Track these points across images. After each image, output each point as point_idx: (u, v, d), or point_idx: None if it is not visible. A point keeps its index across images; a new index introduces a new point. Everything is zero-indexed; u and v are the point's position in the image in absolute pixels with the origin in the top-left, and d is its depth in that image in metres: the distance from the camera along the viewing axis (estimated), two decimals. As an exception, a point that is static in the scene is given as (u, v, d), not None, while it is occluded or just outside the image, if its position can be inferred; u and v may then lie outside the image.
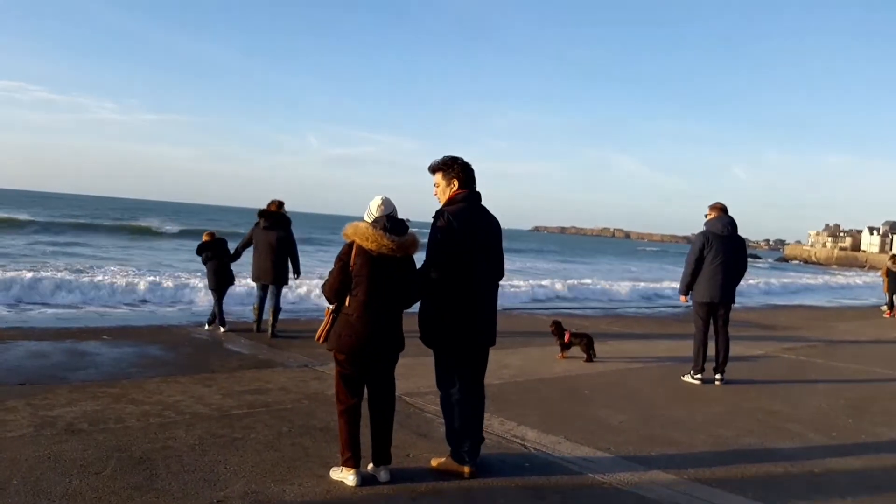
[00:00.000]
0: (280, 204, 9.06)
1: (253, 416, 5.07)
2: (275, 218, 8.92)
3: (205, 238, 9.33)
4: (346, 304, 3.85)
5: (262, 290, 9.01)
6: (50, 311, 10.26)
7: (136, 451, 4.16)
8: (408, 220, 4.01)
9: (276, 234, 8.80)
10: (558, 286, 18.99)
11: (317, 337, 3.97)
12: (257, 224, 8.93)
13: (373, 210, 3.93)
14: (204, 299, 11.66)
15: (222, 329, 8.92)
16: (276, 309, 8.85)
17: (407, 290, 3.95)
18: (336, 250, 4.13)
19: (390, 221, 3.87)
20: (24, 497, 3.41)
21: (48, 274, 12.82)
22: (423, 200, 4.18)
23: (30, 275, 11.94)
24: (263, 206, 9.07)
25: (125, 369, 6.38)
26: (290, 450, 4.39)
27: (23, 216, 39.52)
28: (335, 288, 3.86)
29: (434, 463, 4.19)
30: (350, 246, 3.84)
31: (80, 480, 3.66)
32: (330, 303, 3.94)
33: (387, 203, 3.95)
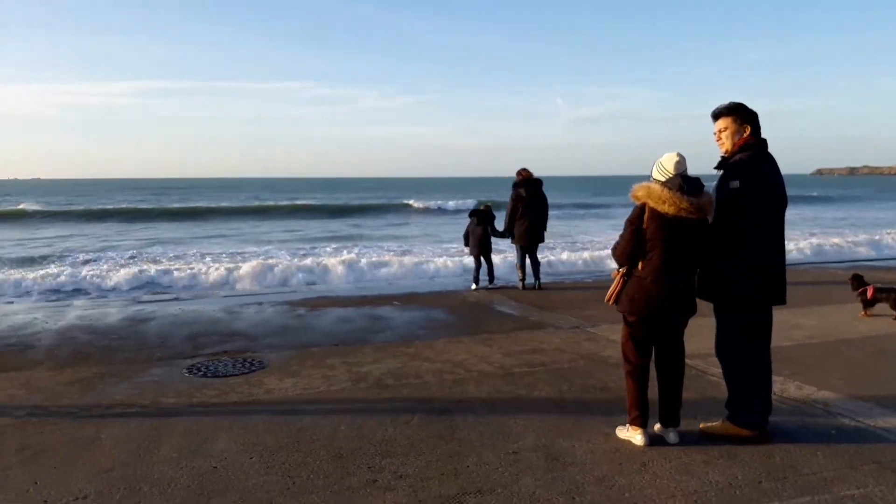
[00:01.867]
0: (527, 172, 9.84)
1: (533, 375, 5.30)
2: (532, 183, 9.68)
3: (482, 207, 10.38)
4: (640, 267, 3.78)
5: (522, 250, 9.76)
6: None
7: (436, 403, 4.61)
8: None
9: (537, 197, 9.65)
10: (851, 238, 16.75)
11: (606, 298, 3.98)
12: (516, 192, 9.57)
13: (668, 168, 3.72)
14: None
15: (473, 287, 9.87)
16: (537, 264, 9.88)
17: (701, 252, 3.78)
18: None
19: (685, 181, 3.68)
20: (352, 441, 3.97)
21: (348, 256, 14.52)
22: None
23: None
24: (514, 174, 9.94)
25: (415, 331, 7.04)
26: (573, 407, 4.52)
27: (306, 201, 44.76)
28: (626, 251, 3.80)
29: (702, 426, 4.01)
30: (642, 209, 3.73)
31: (393, 428, 4.16)
32: (620, 266, 3.90)
33: (683, 160, 3.74)
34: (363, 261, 12.96)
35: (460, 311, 8.13)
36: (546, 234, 10.09)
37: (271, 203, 43.19)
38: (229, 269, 12.17)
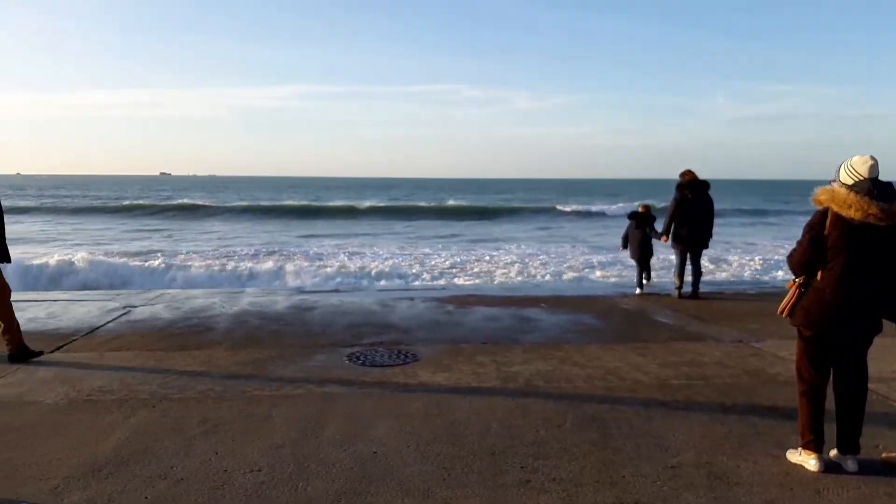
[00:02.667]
0: (692, 173, 9.37)
1: (692, 388, 5.06)
2: (699, 186, 9.24)
3: (640, 209, 10.08)
4: (818, 277, 3.51)
5: (683, 255, 9.34)
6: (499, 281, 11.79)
7: (588, 409, 4.52)
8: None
9: (703, 201, 9.20)
10: None
11: (780, 310, 3.73)
12: (681, 194, 9.19)
13: (859, 171, 3.40)
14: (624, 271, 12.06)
15: (637, 291, 9.70)
16: (698, 272, 9.37)
17: (889, 264, 3.43)
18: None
19: (876, 185, 3.36)
20: (504, 439, 4.00)
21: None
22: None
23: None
24: (670, 176, 9.82)
25: (564, 335, 6.96)
26: (737, 425, 4.26)
27: (455, 202, 45.45)
28: (804, 260, 3.53)
29: (884, 455, 3.63)
30: (823, 214, 3.45)
31: (545, 431, 4.14)
32: (796, 275, 3.63)
33: (876, 164, 3.41)
34: (506, 260, 13.04)
35: (612, 317, 7.93)
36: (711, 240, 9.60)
37: (423, 204, 44.20)
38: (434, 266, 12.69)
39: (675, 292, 9.34)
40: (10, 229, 6.39)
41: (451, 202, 43.98)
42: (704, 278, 9.88)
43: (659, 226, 9.73)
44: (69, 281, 12.95)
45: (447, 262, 13.62)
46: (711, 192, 9.44)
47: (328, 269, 12.28)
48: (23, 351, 5.76)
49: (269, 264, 13.04)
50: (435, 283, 11.39)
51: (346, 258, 14.63)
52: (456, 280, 11.77)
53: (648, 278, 9.96)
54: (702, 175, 9.35)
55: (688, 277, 9.34)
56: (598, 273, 12.21)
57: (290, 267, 12.47)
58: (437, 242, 21.11)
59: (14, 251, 6.26)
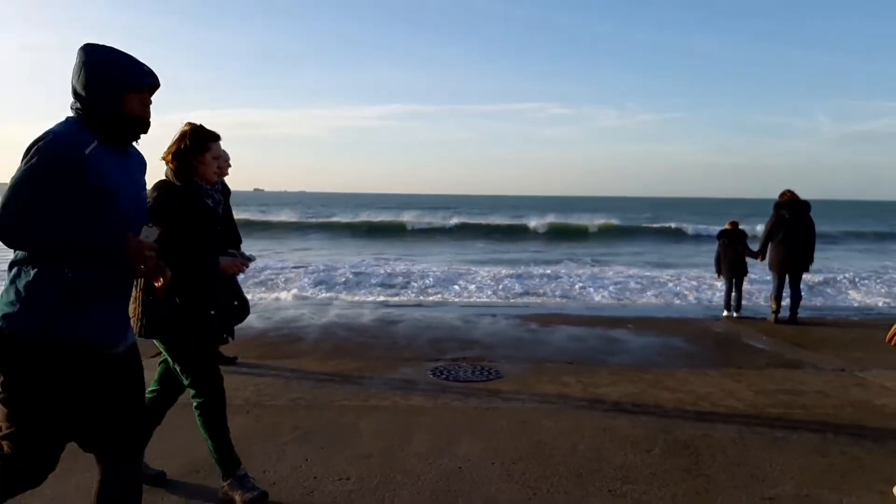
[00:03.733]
0: (792, 193, 9.03)
1: (790, 418, 4.81)
2: (798, 207, 8.88)
3: (727, 226, 9.69)
4: None
5: (781, 278, 8.95)
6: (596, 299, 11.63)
7: (680, 435, 4.38)
8: None
9: (802, 222, 8.81)
10: None
11: (888, 338, 3.51)
12: (778, 214, 8.84)
13: None
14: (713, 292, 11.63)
15: (725, 313, 9.40)
16: (797, 297, 8.93)
17: None
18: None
19: None
20: (591, 461, 3.92)
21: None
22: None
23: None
24: (768, 196, 9.44)
25: (653, 357, 6.77)
26: (839, 458, 4.02)
27: (542, 220, 44.55)
28: None
29: None
30: None
31: (633, 455, 4.03)
32: None
33: None
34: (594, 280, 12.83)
35: (703, 341, 7.66)
36: (812, 264, 9.11)
37: (517, 222, 43.29)
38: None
39: (772, 316, 8.96)
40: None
41: (537, 220, 43.12)
42: (803, 303, 9.39)
43: (755, 245, 9.39)
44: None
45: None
46: (812, 213, 9.03)
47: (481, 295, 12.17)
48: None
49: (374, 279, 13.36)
50: (518, 301, 11.34)
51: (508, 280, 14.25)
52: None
53: (739, 303, 9.42)
54: (804, 195, 8.96)
55: (785, 302, 8.94)
56: (689, 295, 11.82)
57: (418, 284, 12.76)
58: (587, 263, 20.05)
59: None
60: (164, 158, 3.28)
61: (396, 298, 11.53)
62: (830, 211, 70.50)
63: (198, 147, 3.25)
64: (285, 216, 42.64)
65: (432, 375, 5.85)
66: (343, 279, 13.58)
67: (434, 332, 7.88)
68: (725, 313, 9.36)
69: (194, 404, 3.29)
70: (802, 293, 9.24)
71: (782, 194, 9.03)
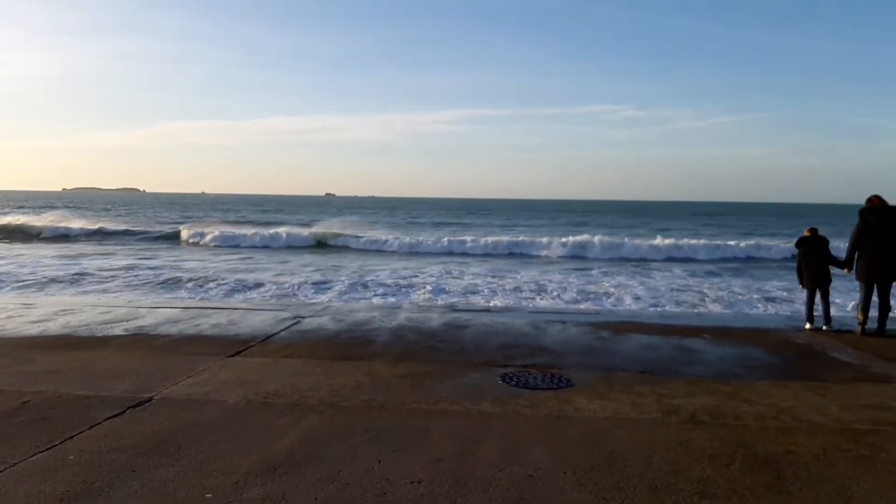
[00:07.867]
0: (880, 199, 8.54)
1: (880, 434, 4.57)
2: (886, 212, 8.39)
3: (806, 233, 9.24)
4: None
5: (868, 289, 8.50)
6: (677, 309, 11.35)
7: (760, 450, 4.22)
8: None
9: (891, 229, 8.32)
10: None
11: None
12: (864, 221, 8.44)
13: None
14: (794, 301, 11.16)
15: (808, 326, 8.89)
16: (886, 308, 8.43)
17: None
18: None
19: None
20: (666, 475, 3.83)
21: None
22: None
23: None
24: (855, 201, 8.73)
25: (731, 368, 6.55)
26: (936, 481, 3.80)
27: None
28: None
29: None
30: None
31: (711, 469, 3.91)
32: None
33: None
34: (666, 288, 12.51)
35: (784, 353, 7.35)
36: None
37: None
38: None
39: (858, 328, 8.52)
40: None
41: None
42: (893, 314, 8.89)
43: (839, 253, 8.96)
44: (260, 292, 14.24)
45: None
46: None
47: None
48: None
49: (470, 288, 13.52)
50: (587, 307, 11.19)
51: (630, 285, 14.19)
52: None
53: (828, 315, 8.88)
54: (894, 201, 8.50)
55: (873, 313, 8.48)
56: (770, 305, 11.39)
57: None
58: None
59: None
60: None
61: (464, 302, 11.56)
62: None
63: None
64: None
65: (501, 381, 5.84)
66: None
67: (503, 337, 7.86)
68: (808, 326, 8.88)
69: None
70: (892, 304, 8.74)
71: (869, 200, 8.58)
